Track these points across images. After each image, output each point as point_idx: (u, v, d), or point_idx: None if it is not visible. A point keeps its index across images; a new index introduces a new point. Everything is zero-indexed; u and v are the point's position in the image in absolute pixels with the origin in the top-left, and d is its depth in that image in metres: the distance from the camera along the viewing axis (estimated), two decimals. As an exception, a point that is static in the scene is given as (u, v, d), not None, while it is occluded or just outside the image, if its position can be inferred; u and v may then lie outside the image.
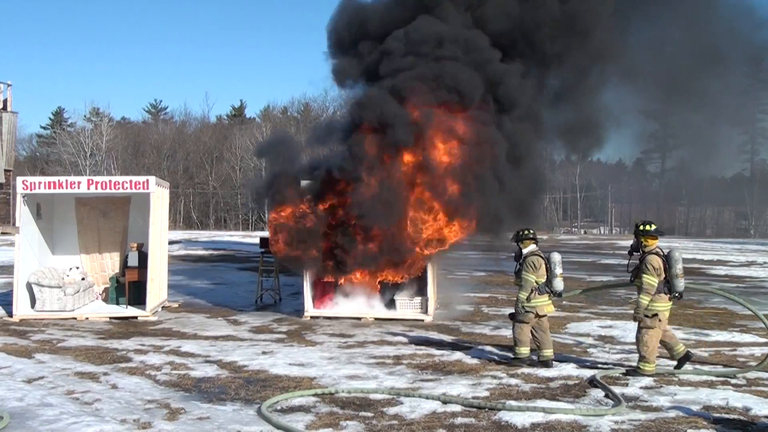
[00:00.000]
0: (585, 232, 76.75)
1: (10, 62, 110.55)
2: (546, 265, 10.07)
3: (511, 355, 10.37)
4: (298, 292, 16.46)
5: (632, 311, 9.85)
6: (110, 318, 14.15)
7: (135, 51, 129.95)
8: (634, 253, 9.86)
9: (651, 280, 9.35)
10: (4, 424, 6.94)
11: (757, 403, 7.89)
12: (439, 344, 11.66)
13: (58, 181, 14.33)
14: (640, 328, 9.47)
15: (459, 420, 7.32)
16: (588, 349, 11.30)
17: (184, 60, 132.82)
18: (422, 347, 11.35)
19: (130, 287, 15.06)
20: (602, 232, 79.14)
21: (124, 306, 14.97)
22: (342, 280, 14.64)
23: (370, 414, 7.54)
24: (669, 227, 77.16)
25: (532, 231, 10.32)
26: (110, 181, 14.60)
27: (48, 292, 14.11)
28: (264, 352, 10.88)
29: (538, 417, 7.37)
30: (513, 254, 10.60)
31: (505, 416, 7.39)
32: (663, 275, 9.37)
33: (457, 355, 10.63)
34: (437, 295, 15.26)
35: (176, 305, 16.08)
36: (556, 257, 10.11)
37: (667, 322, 9.69)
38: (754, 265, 30.36)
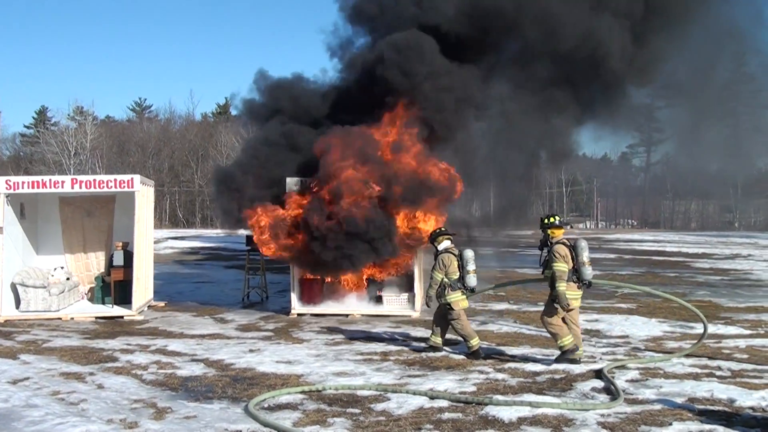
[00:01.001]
0: (571, 227, 76.96)
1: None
2: (458, 262, 10.34)
3: (499, 349, 10.43)
4: (285, 289, 16.46)
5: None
6: (96, 318, 14.09)
7: (119, 49, 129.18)
8: (545, 248, 10.04)
9: (561, 267, 9.55)
10: (-11, 425, 6.90)
11: (742, 395, 7.94)
12: (427, 340, 11.67)
13: (42, 180, 14.27)
14: (544, 314, 9.75)
15: (446, 415, 7.32)
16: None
17: (169, 58, 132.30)
18: (409, 343, 11.36)
19: (115, 286, 15.00)
20: (588, 226, 79.51)
21: (110, 305, 14.92)
22: (328, 278, 14.62)
23: (357, 410, 7.54)
24: (654, 221, 77.75)
25: (445, 229, 10.77)
26: (95, 180, 14.52)
27: (33, 292, 14.03)
28: (251, 350, 10.86)
29: (525, 411, 7.39)
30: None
31: (492, 411, 7.40)
32: (571, 264, 9.58)
33: (444, 351, 10.65)
34: (424, 290, 15.25)
35: (162, 304, 16.03)
36: (469, 254, 10.38)
37: (578, 312, 9.99)
38: (739, 257, 30.58)
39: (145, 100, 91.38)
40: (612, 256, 31.74)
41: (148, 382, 8.89)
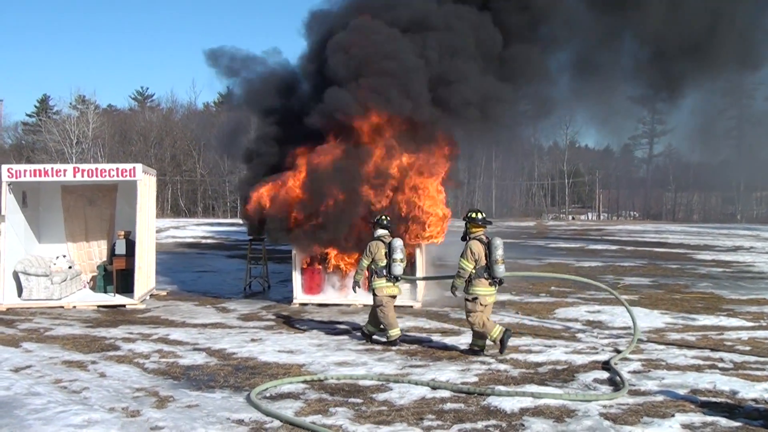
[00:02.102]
0: (573, 218, 77.00)
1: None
2: (386, 250, 10.60)
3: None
4: (287, 279, 16.45)
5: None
6: (98, 306, 14.10)
7: (121, 38, 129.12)
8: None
9: (464, 264, 9.70)
10: (-8, 413, 6.90)
11: (744, 387, 7.94)
12: (428, 330, 11.68)
13: (44, 168, 14.22)
14: (466, 314, 9.81)
15: (448, 405, 7.33)
16: (576, 334, 11.33)
17: (171, 47, 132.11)
18: (411, 333, 11.35)
19: (117, 275, 14.99)
20: (590, 218, 79.43)
21: (112, 294, 14.92)
22: (331, 267, 14.62)
23: (359, 400, 7.55)
24: (656, 213, 77.66)
25: (384, 217, 11.00)
26: (97, 169, 14.50)
27: (35, 280, 14.03)
28: (253, 340, 10.86)
29: (527, 402, 7.39)
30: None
31: (494, 401, 7.41)
32: (483, 261, 9.65)
33: (446, 341, 10.65)
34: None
35: (164, 293, 16.04)
36: (396, 243, 10.67)
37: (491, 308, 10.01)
38: (741, 249, 30.53)
39: (147, 89, 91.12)
40: (614, 247, 31.68)
41: (150, 370, 8.89)
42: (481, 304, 9.63)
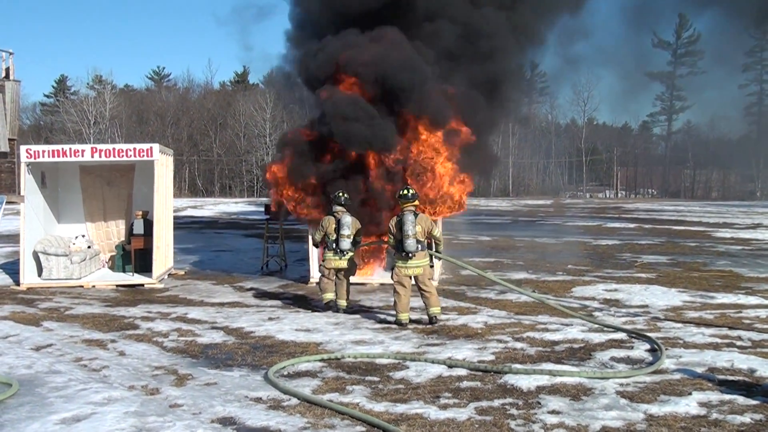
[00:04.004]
0: (590, 196, 76.70)
1: (12, 30, 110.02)
2: (335, 225, 11.34)
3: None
4: (304, 258, 16.50)
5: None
6: (117, 285, 14.22)
7: (137, 18, 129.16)
8: None
9: (388, 235, 10.62)
10: (14, 391, 6.99)
11: (763, 365, 7.88)
12: (445, 309, 11.67)
13: (62, 149, 14.29)
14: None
15: (465, 384, 7.34)
16: (593, 313, 11.30)
17: (187, 26, 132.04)
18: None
19: (136, 255, 15.11)
20: (608, 195, 79.08)
21: (131, 273, 15.04)
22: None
23: (376, 378, 7.58)
24: (675, 190, 77.13)
25: (341, 194, 11.59)
26: (114, 149, 14.56)
27: (54, 260, 14.17)
28: (270, 318, 10.92)
29: (544, 380, 7.39)
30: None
31: (511, 379, 7.41)
32: (399, 236, 10.34)
33: (463, 320, 10.66)
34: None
35: (182, 272, 16.15)
36: (345, 220, 11.30)
37: (411, 280, 10.46)
38: (761, 227, 30.27)
39: (164, 68, 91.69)
40: (631, 225, 31.53)
41: (168, 349, 8.97)
42: (396, 274, 10.36)
